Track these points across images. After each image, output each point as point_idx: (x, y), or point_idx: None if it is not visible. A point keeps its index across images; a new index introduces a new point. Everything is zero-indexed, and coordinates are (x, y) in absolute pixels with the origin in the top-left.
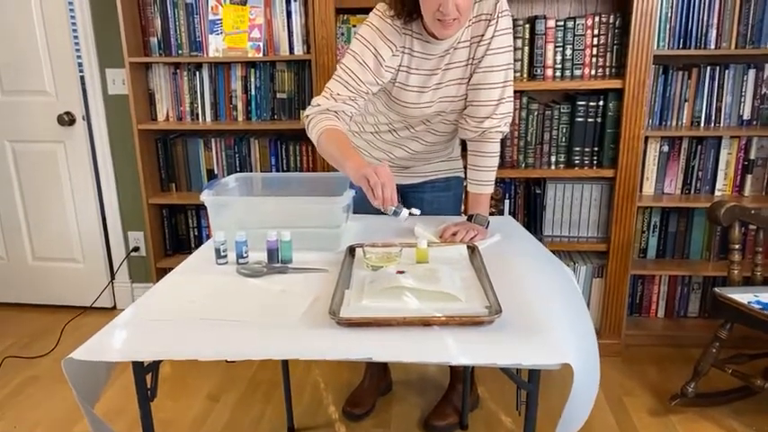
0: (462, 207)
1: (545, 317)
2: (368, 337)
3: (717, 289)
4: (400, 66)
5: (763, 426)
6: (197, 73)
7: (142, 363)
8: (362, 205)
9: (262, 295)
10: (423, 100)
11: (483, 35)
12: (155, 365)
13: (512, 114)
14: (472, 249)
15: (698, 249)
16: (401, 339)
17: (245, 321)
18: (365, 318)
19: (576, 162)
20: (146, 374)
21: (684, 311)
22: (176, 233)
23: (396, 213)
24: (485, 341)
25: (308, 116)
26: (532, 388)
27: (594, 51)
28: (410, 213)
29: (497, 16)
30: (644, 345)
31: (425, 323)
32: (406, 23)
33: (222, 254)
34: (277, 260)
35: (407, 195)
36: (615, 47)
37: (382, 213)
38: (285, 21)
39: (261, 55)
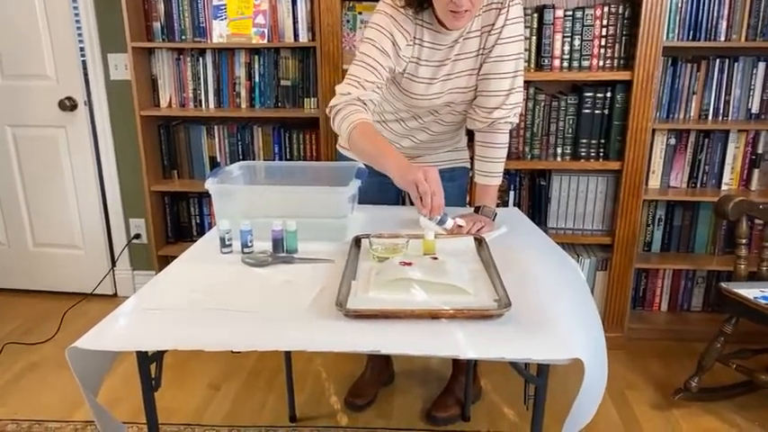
0: (468, 198)
1: (554, 310)
2: (375, 329)
3: (723, 284)
4: (411, 56)
5: (766, 421)
6: (200, 59)
7: (146, 353)
8: (367, 196)
9: (267, 285)
10: (432, 91)
11: (494, 24)
12: (159, 355)
13: (521, 105)
14: (479, 241)
15: (702, 243)
16: (409, 332)
17: (251, 312)
18: (373, 310)
19: (582, 154)
20: (150, 364)
21: (688, 305)
22: (178, 220)
23: (441, 222)
24: (494, 335)
25: (335, 106)
26: (541, 382)
27: (603, 42)
28: (455, 223)
29: (508, 5)
30: (647, 338)
31: (434, 316)
32: (416, 12)
33: (227, 243)
34: (282, 250)
35: None
36: (624, 38)
37: (386, 204)
38: (290, 7)
39: (265, 41)
